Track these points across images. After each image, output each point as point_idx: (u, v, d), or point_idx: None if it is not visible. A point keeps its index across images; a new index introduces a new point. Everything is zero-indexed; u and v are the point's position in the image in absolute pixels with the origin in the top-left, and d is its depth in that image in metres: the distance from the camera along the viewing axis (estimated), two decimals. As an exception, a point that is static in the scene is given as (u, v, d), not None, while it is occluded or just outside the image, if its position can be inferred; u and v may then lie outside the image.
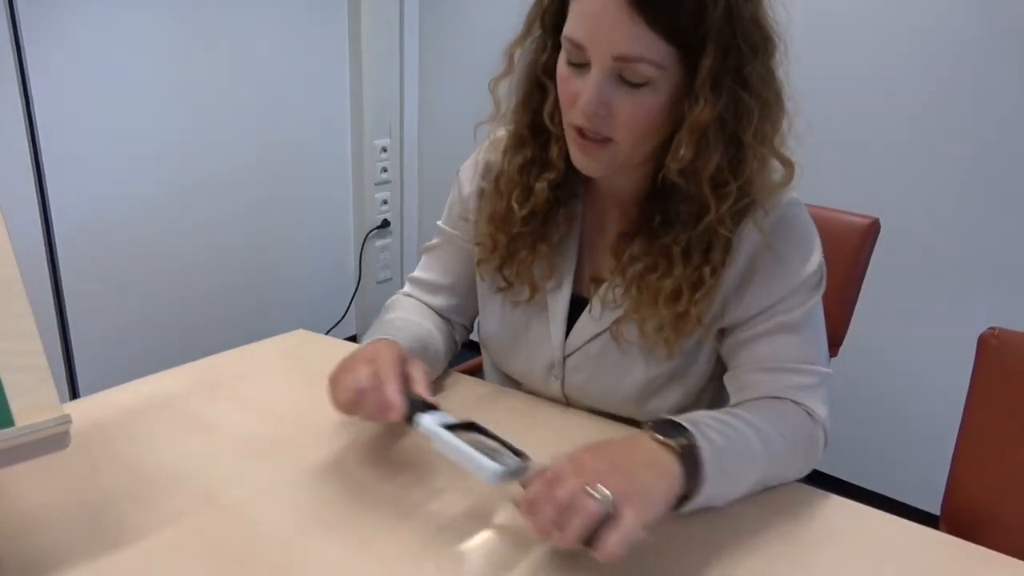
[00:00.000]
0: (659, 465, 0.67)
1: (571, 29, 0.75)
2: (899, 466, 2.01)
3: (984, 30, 1.68)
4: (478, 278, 1.01)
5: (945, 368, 1.86)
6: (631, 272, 0.85)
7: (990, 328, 0.91)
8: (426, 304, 1.05)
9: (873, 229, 1.14)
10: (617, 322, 0.88)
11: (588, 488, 0.60)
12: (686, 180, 0.77)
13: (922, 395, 1.94)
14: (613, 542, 0.59)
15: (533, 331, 0.96)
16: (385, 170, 2.73)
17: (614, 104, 0.74)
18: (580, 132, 0.78)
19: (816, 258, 0.84)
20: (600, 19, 0.71)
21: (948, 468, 0.95)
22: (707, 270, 0.81)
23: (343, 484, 0.79)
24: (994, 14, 1.66)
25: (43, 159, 1.67)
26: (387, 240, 2.83)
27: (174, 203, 2.19)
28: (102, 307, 2.08)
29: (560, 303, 0.93)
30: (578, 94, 0.76)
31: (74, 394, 1.86)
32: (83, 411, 0.91)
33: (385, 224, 2.78)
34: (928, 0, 1.73)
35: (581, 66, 0.75)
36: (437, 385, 1.00)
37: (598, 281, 0.91)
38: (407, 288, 1.09)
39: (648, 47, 0.71)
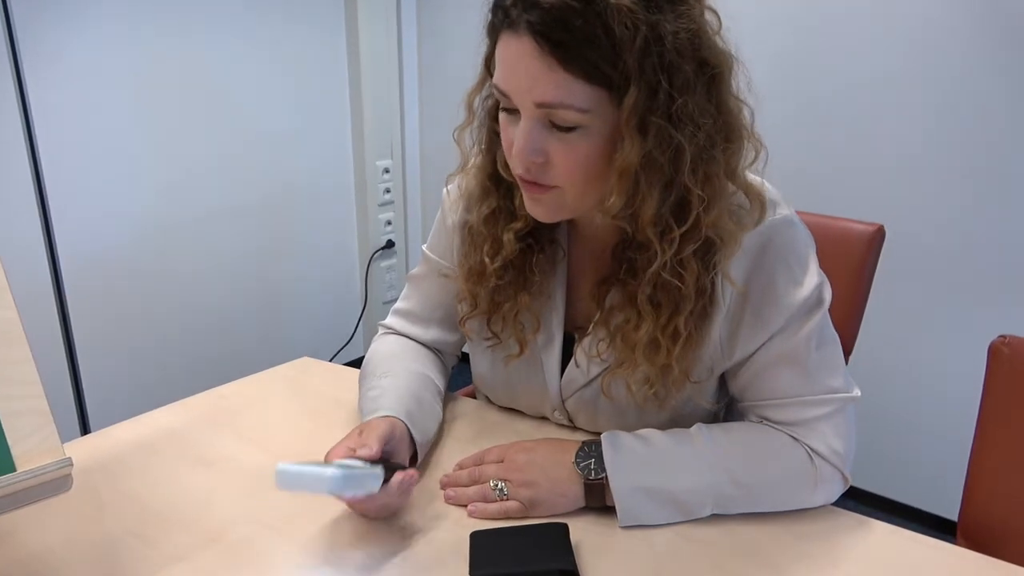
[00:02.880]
0: (564, 485, 0.79)
1: (496, 77, 0.73)
2: (913, 472, 1.98)
3: (989, 35, 1.67)
4: (465, 335, 0.98)
5: (955, 374, 1.84)
6: (614, 323, 0.81)
7: (1000, 336, 0.89)
8: (413, 339, 1.02)
9: (878, 236, 1.13)
10: (602, 376, 0.86)
11: (495, 482, 0.80)
12: (631, 226, 0.74)
13: (934, 402, 1.92)
14: (489, 510, 0.78)
15: (528, 380, 0.94)
16: (388, 191, 2.73)
17: (548, 150, 0.72)
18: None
19: (811, 279, 0.80)
20: (517, 67, 0.69)
21: (962, 474, 0.93)
22: (680, 320, 0.76)
23: (350, 519, 0.79)
24: (999, 19, 1.65)
25: (47, 193, 1.68)
26: (392, 260, 2.83)
27: (178, 231, 2.20)
28: (110, 337, 2.09)
29: (552, 355, 0.90)
30: (513, 142, 0.73)
31: (84, 424, 1.87)
32: (89, 448, 0.91)
33: (390, 245, 2.79)
34: (931, 6, 1.72)
35: (514, 112, 0.73)
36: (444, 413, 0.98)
37: (583, 329, 0.88)
38: (391, 320, 1.05)
39: (569, 92, 0.67)
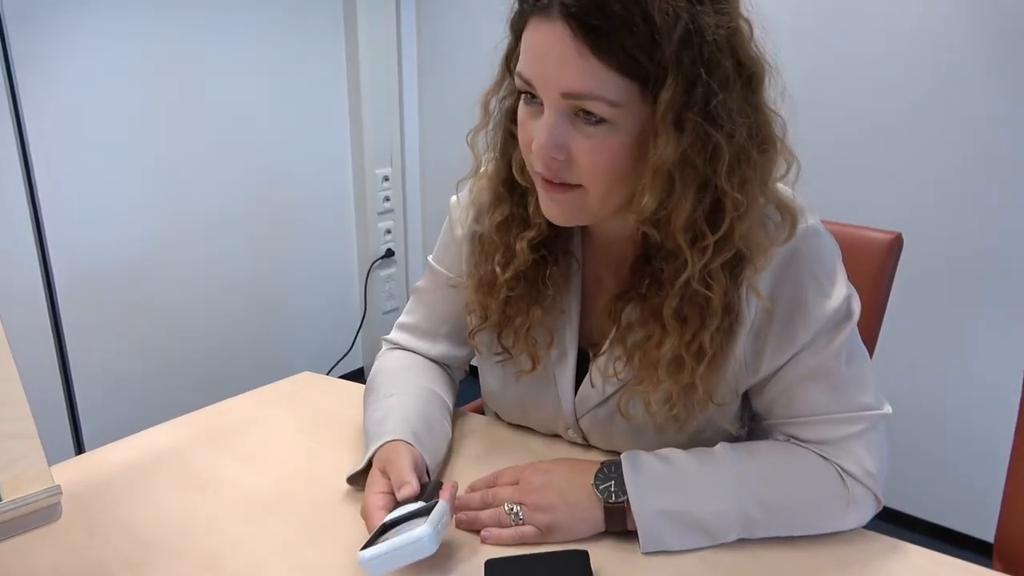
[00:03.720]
0: (583, 509, 0.75)
1: (521, 65, 0.69)
2: (945, 492, 1.91)
3: (1008, 41, 1.63)
4: (477, 354, 0.94)
5: (988, 389, 1.78)
6: (631, 341, 0.78)
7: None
8: (420, 354, 0.98)
9: (896, 245, 1.09)
10: (619, 395, 0.82)
11: (509, 506, 0.76)
12: (660, 232, 0.70)
13: (966, 418, 1.85)
14: (504, 535, 0.74)
15: (540, 398, 0.89)
16: (388, 199, 2.70)
17: (572, 147, 0.68)
18: (545, 177, 0.72)
19: (839, 291, 0.76)
20: (546, 53, 0.65)
21: (998, 493, 0.89)
22: (706, 337, 0.72)
23: (355, 545, 0.74)
24: (1017, 25, 1.62)
25: (40, 204, 1.64)
26: (391, 270, 2.79)
27: (174, 241, 2.16)
28: (105, 351, 2.04)
29: (566, 372, 0.86)
30: (534, 137, 0.70)
31: (78, 441, 1.82)
32: (78, 471, 0.87)
33: (389, 254, 2.75)
34: (948, 13, 1.69)
35: (537, 107, 0.69)
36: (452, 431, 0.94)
37: (598, 347, 0.84)
38: (396, 335, 1.01)
39: (599, 82, 0.64)
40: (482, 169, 0.84)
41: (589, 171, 0.69)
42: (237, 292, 2.36)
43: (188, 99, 2.11)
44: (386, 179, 2.67)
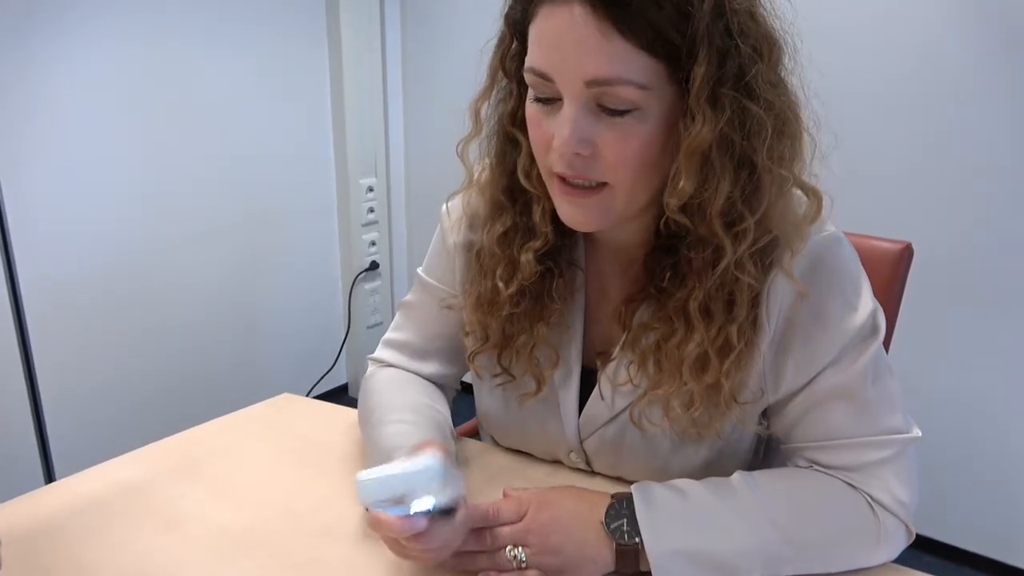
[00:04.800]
0: (592, 549, 0.69)
1: (533, 58, 0.64)
2: (975, 516, 1.82)
3: (1020, 50, 1.61)
4: (472, 373, 0.87)
5: (1007, 403, 1.74)
6: (645, 344, 0.73)
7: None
8: (413, 372, 0.92)
9: (906, 255, 1.06)
10: (634, 405, 0.76)
11: (510, 548, 0.68)
12: (692, 219, 0.65)
13: (984, 435, 1.79)
14: None
15: (544, 421, 0.84)
16: (372, 210, 2.64)
17: (596, 141, 0.64)
18: (563, 180, 0.67)
19: (865, 304, 0.71)
20: (565, 39, 0.61)
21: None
22: (733, 330, 0.68)
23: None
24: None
25: (6, 213, 1.56)
26: (376, 283, 2.73)
27: (149, 255, 2.09)
28: (77, 373, 1.97)
29: (570, 391, 0.81)
30: (552, 135, 0.65)
31: (48, 470, 1.73)
32: (35, 506, 0.80)
33: (374, 266, 2.69)
34: (961, 23, 1.66)
35: (551, 101, 0.65)
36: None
37: (606, 356, 0.78)
38: (384, 353, 0.94)
39: (627, 65, 0.60)
40: (475, 178, 0.79)
41: (616, 164, 0.64)
42: (215, 307, 2.29)
43: (166, 108, 2.05)
44: (371, 189, 2.62)
